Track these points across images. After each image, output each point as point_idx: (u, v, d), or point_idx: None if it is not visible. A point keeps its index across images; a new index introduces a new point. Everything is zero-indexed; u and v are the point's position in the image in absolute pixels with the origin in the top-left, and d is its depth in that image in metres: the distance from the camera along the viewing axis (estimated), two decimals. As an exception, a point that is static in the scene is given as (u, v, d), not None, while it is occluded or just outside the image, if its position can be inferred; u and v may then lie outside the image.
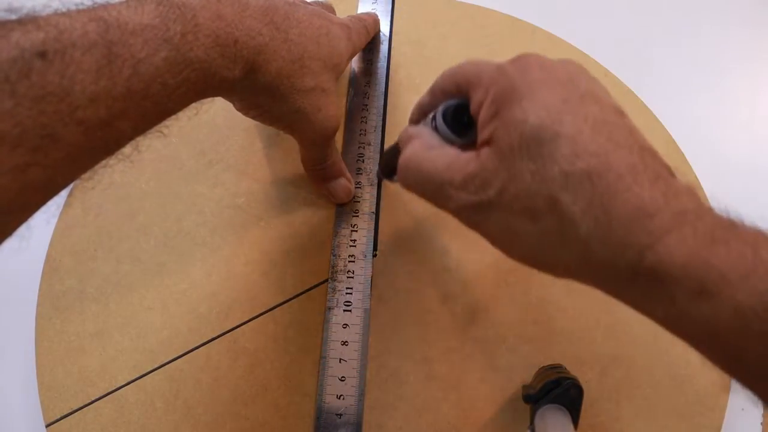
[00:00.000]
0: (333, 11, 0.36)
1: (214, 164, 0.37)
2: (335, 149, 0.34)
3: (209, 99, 0.26)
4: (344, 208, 0.35)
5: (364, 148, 0.37)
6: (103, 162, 0.22)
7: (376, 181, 0.35)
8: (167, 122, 0.24)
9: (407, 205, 0.36)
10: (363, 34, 0.36)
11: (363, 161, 0.36)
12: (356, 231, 0.34)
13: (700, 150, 0.37)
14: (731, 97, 0.41)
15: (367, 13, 0.39)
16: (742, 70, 0.42)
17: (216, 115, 0.39)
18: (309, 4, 0.32)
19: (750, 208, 0.38)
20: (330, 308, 0.32)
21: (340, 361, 0.31)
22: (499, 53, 0.40)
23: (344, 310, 0.32)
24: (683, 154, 0.37)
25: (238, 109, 0.31)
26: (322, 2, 0.35)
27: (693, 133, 0.39)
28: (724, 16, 0.44)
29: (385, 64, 0.40)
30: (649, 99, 0.39)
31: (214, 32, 0.23)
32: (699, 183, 0.36)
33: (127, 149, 0.22)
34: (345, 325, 0.32)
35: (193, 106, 0.25)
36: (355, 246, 0.34)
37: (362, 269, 0.33)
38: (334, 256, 0.34)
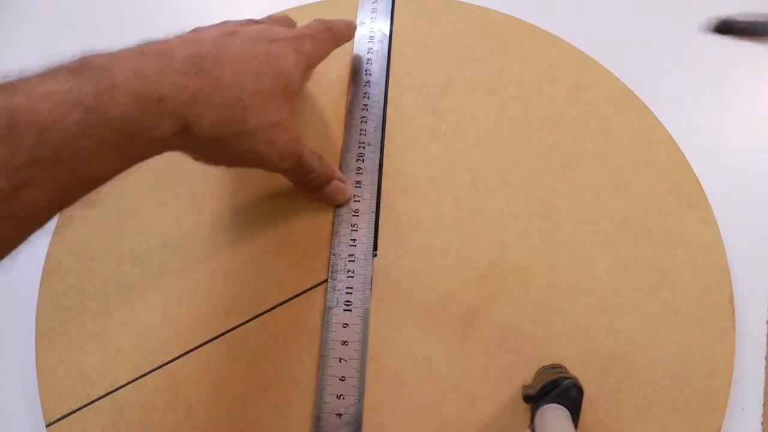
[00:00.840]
0: (290, 23, 0.34)
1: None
2: (314, 157, 0.32)
3: None
4: (344, 208, 0.35)
5: (364, 147, 0.37)
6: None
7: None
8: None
9: (407, 205, 0.36)
10: (323, 39, 0.33)
11: (363, 161, 0.36)
12: (356, 231, 0.34)
13: (700, 150, 0.37)
14: (731, 98, 0.41)
15: (339, 20, 0.36)
16: (742, 71, 0.42)
17: (216, 115, 0.39)
18: (256, 23, 0.31)
19: (750, 208, 0.38)
20: (330, 308, 0.32)
21: (340, 361, 0.31)
22: (499, 53, 0.40)
23: (344, 310, 0.32)
24: (683, 154, 0.37)
25: (194, 159, 0.29)
26: (277, 17, 0.34)
27: (693, 133, 0.39)
28: (725, 15, 0.44)
29: (385, 65, 0.40)
30: (649, 99, 0.39)
31: (135, 91, 0.22)
32: (699, 184, 0.36)
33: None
34: (345, 325, 0.32)
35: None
36: (355, 246, 0.34)
37: (362, 269, 0.33)
38: (334, 255, 0.34)
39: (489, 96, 0.39)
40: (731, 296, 0.33)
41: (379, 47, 0.40)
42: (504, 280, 0.34)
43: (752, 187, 0.38)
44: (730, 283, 0.33)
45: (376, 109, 0.38)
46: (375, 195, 0.35)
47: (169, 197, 0.36)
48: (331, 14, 0.42)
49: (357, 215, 0.35)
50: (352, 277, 0.33)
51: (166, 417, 0.31)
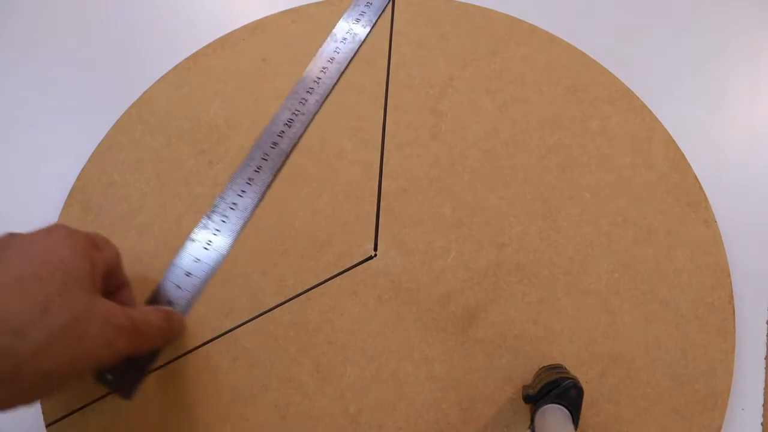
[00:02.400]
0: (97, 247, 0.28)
1: (214, 164, 0.37)
2: (134, 335, 0.27)
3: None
4: (236, 184, 0.35)
5: (274, 147, 0.37)
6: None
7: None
8: None
9: (407, 205, 0.36)
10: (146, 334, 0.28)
11: (267, 160, 0.37)
12: (242, 197, 0.36)
13: (700, 150, 0.37)
14: (731, 97, 0.41)
15: (164, 311, 0.31)
16: (742, 70, 0.42)
17: (216, 115, 0.39)
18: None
19: (749, 208, 0.38)
20: (192, 240, 0.35)
21: (195, 261, 0.34)
22: (499, 53, 0.40)
23: (203, 247, 0.34)
24: (683, 154, 0.37)
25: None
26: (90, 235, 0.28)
27: (693, 133, 0.39)
28: (724, 15, 0.44)
29: (343, 68, 0.40)
30: (649, 99, 0.39)
31: None
32: (699, 184, 0.36)
33: None
34: (197, 260, 0.34)
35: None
36: (242, 196, 0.36)
37: (238, 219, 0.35)
38: (221, 197, 0.36)
39: (489, 96, 0.39)
40: (731, 296, 0.33)
41: (347, 48, 0.40)
42: (504, 280, 0.34)
43: (752, 187, 0.38)
44: (730, 283, 0.33)
45: (309, 109, 0.38)
46: (272, 171, 0.36)
47: (169, 197, 0.36)
48: (333, 13, 0.42)
49: (251, 184, 0.36)
50: (225, 222, 0.34)
51: (166, 417, 0.31)
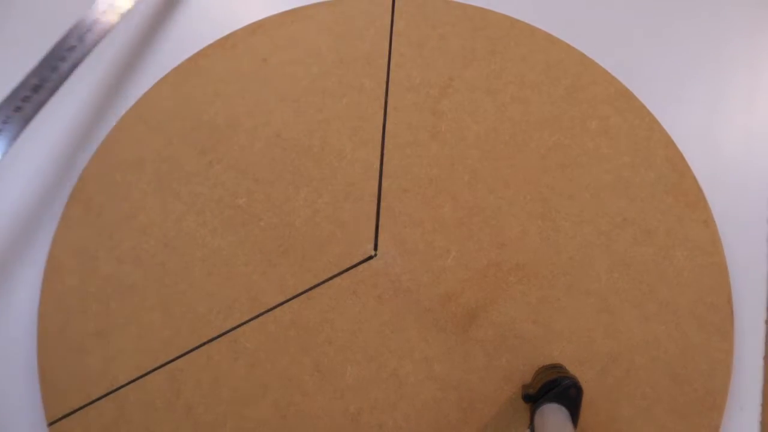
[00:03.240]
0: None
1: (214, 164, 0.37)
2: None
3: (209, 99, 0.24)
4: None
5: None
6: None
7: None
8: None
9: (407, 205, 0.36)
10: None
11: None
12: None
13: (698, 150, 0.37)
14: (730, 98, 0.41)
15: None
16: (741, 70, 0.42)
17: (216, 115, 0.39)
18: None
19: (748, 208, 0.39)
20: None
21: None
22: (499, 54, 0.41)
23: None
24: (682, 155, 0.37)
25: None
26: None
27: (692, 134, 0.39)
28: (724, 16, 0.44)
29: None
30: (649, 99, 0.39)
31: None
32: (698, 184, 0.36)
33: None
34: None
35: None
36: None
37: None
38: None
39: (489, 96, 0.39)
40: (730, 296, 0.33)
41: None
42: (504, 280, 0.34)
43: (751, 187, 0.38)
44: (729, 283, 0.33)
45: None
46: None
47: (169, 197, 0.36)
48: (333, 14, 0.42)
49: None
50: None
51: (166, 416, 0.31)
